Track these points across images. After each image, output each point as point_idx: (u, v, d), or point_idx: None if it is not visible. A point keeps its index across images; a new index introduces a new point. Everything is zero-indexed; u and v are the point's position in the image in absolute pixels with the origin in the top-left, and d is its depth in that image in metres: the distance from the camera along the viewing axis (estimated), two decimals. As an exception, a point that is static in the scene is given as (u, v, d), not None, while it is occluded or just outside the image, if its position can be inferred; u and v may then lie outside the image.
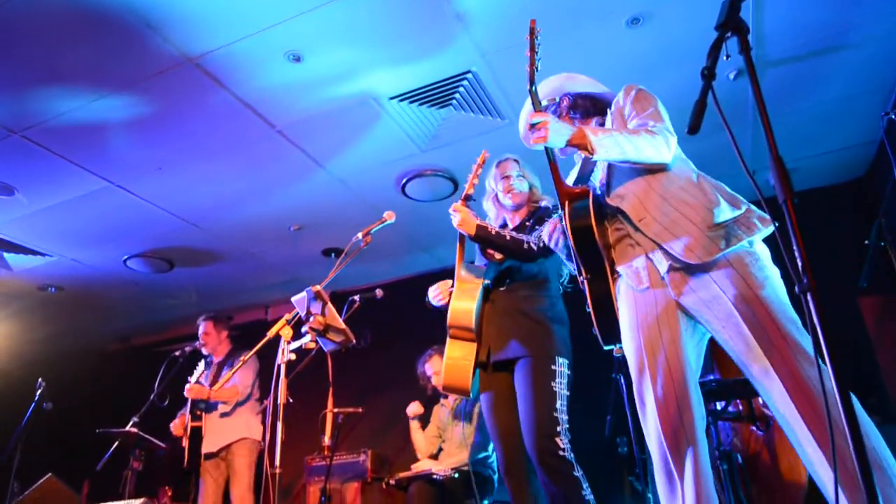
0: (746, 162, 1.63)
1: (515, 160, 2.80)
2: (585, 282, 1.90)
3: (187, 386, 4.16)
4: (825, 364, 1.17)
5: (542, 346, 2.43)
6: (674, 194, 1.80)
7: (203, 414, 4.29)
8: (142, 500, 2.14)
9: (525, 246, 2.46)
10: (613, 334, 1.91)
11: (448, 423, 4.18)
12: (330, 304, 2.69)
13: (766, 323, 1.60)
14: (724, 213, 1.73)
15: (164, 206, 4.45)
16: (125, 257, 5.18)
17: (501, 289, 2.61)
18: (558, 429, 2.32)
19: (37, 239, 4.81)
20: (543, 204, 2.71)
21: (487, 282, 2.63)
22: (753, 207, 1.78)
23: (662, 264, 1.77)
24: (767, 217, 1.72)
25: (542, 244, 2.42)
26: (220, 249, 5.21)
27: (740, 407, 3.25)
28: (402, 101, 3.50)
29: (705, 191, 1.79)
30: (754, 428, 3.20)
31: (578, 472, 2.30)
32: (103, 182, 4.06)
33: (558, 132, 1.73)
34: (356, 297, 4.00)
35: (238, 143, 3.79)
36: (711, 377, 3.22)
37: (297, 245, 5.20)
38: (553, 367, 2.40)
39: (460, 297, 2.54)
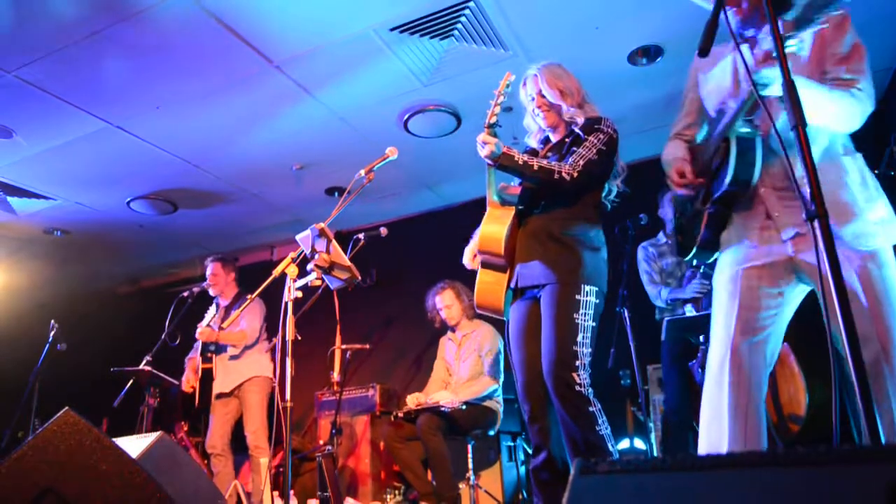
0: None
1: (541, 72, 2.49)
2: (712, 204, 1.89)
3: (198, 329, 4.22)
4: (834, 291, 1.17)
5: (568, 273, 2.31)
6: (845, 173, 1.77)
7: (213, 356, 4.38)
8: (158, 433, 2.20)
9: (556, 176, 2.28)
10: (706, 252, 1.99)
11: (455, 358, 4.26)
12: (334, 242, 2.69)
13: (875, 311, 1.63)
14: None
15: (164, 147, 4.41)
16: (128, 199, 5.17)
17: (536, 211, 2.46)
18: (577, 363, 2.24)
19: (39, 182, 4.79)
20: (582, 119, 2.43)
21: (520, 206, 2.50)
22: None
23: (789, 230, 1.76)
24: None
25: (579, 169, 2.29)
26: (223, 190, 5.19)
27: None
28: (402, 31, 3.39)
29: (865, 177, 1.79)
30: None
31: (594, 408, 2.24)
32: (101, 122, 4.00)
33: None
34: (361, 236, 4.01)
35: (236, 81, 3.71)
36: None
37: (300, 184, 5.17)
38: (578, 296, 2.29)
39: (490, 223, 2.44)
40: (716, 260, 1.99)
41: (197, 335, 4.21)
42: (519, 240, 2.47)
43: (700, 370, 3.44)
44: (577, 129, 2.43)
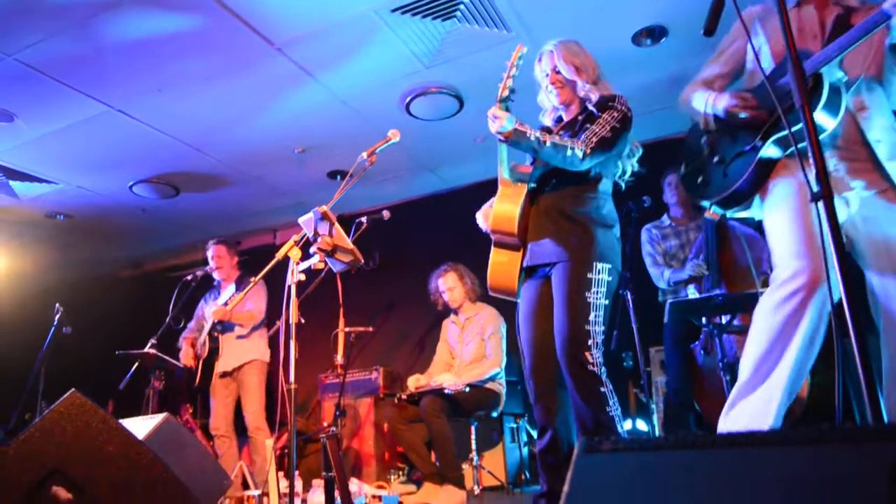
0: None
1: (557, 48, 2.45)
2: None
3: (213, 307, 4.24)
4: (836, 270, 1.16)
5: (579, 251, 2.29)
6: None
7: (219, 335, 4.41)
8: (164, 414, 2.21)
9: (568, 152, 2.23)
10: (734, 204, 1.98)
11: (458, 341, 4.27)
12: (337, 225, 2.69)
13: None
14: None
15: (165, 131, 4.39)
16: (130, 183, 5.17)
17: (547, 189, 2.43)
18: (589, 342, 2.22)
19: (41, 166, 4.79)
20: (596, 96, 2.40)
21: (532, 184, 2.47)
22: None
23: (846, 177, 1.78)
24: None
25: (592, 146, 2.25)
26: (225, 174, 5.18)
27: (741, 322, 3.30)
28: (404, 13, 3.36)
29: None
30: None
31: (606, 388, 2.22)
32: (103, 106, 3.99)
33: None
34: (363, 219, 4.01)
35: (237, 63, 3.69)
36: (718, 291, 3.24)
37: (303, 168, 5.16)
38: (590, 274, 2.26)
39: (502, 201, 2.41)
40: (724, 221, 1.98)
41: (213, 313, 4.23)
42: (531, 218, 2.44)
43: (702, 352, 3.45)
44: (590, 107, 2.40)
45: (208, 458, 2.42)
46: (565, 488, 0.82)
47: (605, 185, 2.43)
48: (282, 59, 3.67)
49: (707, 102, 2.05)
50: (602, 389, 2.21)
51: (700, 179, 2.03)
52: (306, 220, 2.75)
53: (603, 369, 2.24)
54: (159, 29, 3.33)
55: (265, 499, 3.53)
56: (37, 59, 3.48)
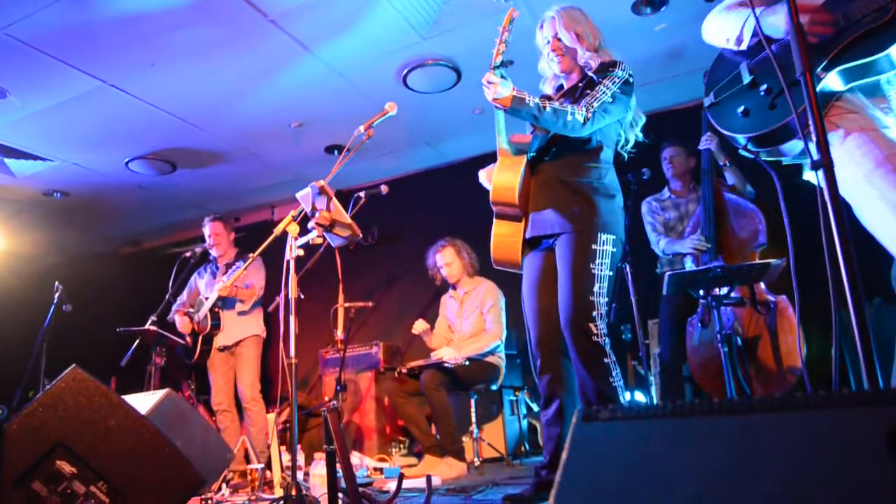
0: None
1: (559, 15, 2.43)
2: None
3: (220, 284, 4.24)
4: (837, 237, 1.16)
5: (582, 222, 2.28)
6: None
7: (220, 310, 4.43)
8: (166, 390, 2.23)
9: (569, 118, 2.20)
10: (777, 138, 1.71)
11: (457, 315, 4.28)
12: (335, 199, 2.68)
13: None
14: None
15: (160, 106, 4.35)
16: (126, 160, 5.13)
17: (547, 159, 2.41)
18: (594, 313, 2.23)
19: (36, 143, 4.75)
20: (596, 63, 2.37)
21: (532, 154, 2.45)
22: None
23: None
24: None
25: (593, 111, 2.22)
26: (221, 149, 5.15)
27: (739, 294, 3.31)
28: (399, -17, 3.31)
29: None
30: (757, 311, 3.27)
31: (609, 359, 2.24)
32: (95, 81, 3.94)
33: None
34: (361, 194, 3.99)
35: (231, 36, 3.63)
36: (716, 264, 3.25)
37: (299, 142, 5.12)
38: (594, 245, 2.25)
39: (502, 172, 2.38)
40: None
41: (219, 290, 4.25)
42: (532, 188, 2.41)
43: (700, 326, 3.47)
44: (590, 73, 2.38)
45: (211, 432, 2.44)
46: (563, 456, 0.83)
47: (607, 154, 2.41)
48: (276, 31, 3.61)
49: (754, 21, 1.60)
50: (605, 360, 2.23)
51: (741, 109, 1.78)
52: (304, 196, 2.73)
53: (607, 340, 2.26)
54: (152, 2, 3.27)
55: (267, 472, 3.58)
56: (28, 34, 3.43)
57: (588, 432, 0.82)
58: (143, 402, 2.08)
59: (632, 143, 2.50)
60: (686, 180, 3.89)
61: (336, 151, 5.27)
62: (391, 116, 2.89)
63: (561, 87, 2.57)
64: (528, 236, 2.42)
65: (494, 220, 2.46)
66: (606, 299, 2.28)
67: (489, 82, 2.20)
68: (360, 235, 2.75)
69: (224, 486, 3.43)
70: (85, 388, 1.60)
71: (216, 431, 3.71)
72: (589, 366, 2.23)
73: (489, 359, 4.00)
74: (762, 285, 3.30)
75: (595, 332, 2.22)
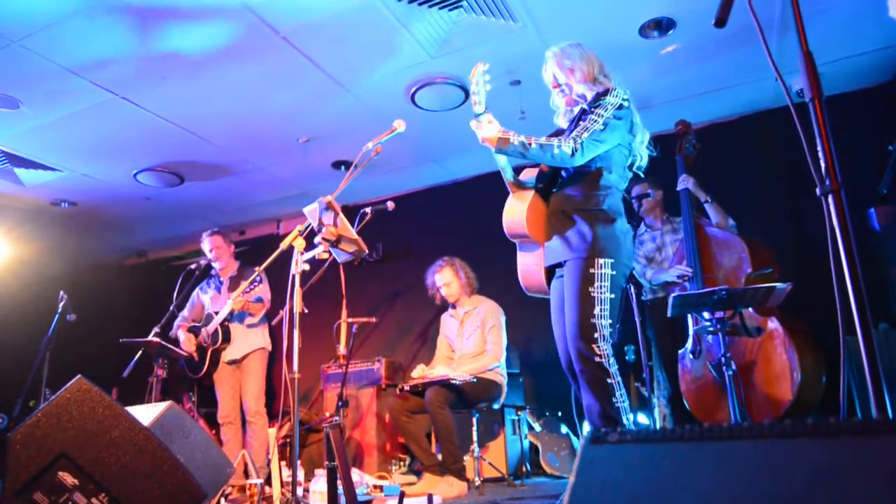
0: (772, 71, 1.56)
1: (553, 56, 2.57)
2: None
3: (236, 297, 4.24)
4: (846, 264, 1.16)
5: (580, 248, 2.37)
6: None
7: (229, 324, 4.44)
8: (168, 402, 2.22)
9: (555, 151, 2.31)
10: None
11: (457, 335, 4.27)
12: (342, 215, 2.69)
13: None
14: None
15: (170, 119, 4.39)
16: (135, 171, 5.17)
17: (554, 190, 2.56)
18: (595, 334, 2.28)
19: (46, 153, 4.79)
20: (593, 92, 2.49)
21: (538, 185, 2.59)
22: None
23: None
24: None
25: (581, 142, 2.31)
26: (230, 163, 5.18)
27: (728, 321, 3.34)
28: (411, 1, 3.34)
29: None
30: (749, 335, 3.29)
31: (613, 380, 2.28)
32: (108, 94, 3.98)
33: None
34: (367, 210, 4.01)
35: (242, 51, 3.67)
36: (721, 287, 3.25)
37: (306, 158, 5.15)
38: (592, 270, 2.33)
39: (510, 205, 2.53)
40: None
41: (234, 303, 4.26)
42: (545, 220, 2.55)
43: (692, 357, 3.50)
44: (584, 104, 2.50)
45: (212, 446, 2.43)
46: (571, 478, 0.82)
47: (608, 179, 2.47)
48: (287, 47, 3.65)
49: None
50: (609, 381, 2.28)
51: None
52: (311, 211, 2.75)
53: (611, 360, 2.30)
54: (164, 14, 3.32)
55: (266, 487, 3.55)
56: (41, 45, 3.47)
57: (596, 454, 0.82)
58: (145, 413, 2.08)
59: (646, 160, 2.59)
60: (658, 213, 4.10)
61: (343, 167, 5.30)
62: (399, 133, 2.92)
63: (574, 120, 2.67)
64: (545, 266, 2.54)
65: (518, 251, 2.60)
66: (609, 321, 2.33)
67: (476, 127, 2.37)
68: (366, 251, 2.77)
69: (223, 500, 3.41)
70: (90, 398, 1.60)
71: (217, 445, 3.69)
72: (593, 387, 2.29)
73: (491, 376, 3.98)
74: (750, 310, 3.32)
75: (598, 353, 2.28)
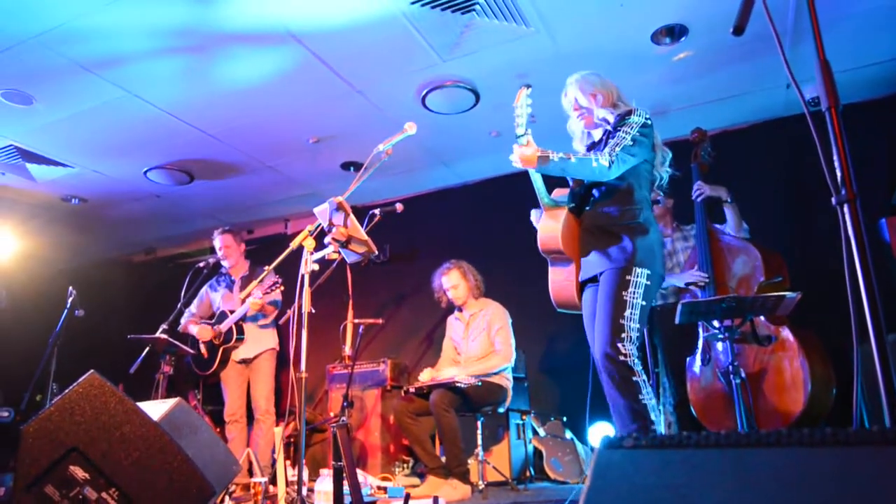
0: (784, 79, 1.56)
1: (576, 82, 2.72)
2: None
3: (252, 300, 4.27)
4: (861, 274, 1.16)
5: (619, 259, 2.47)
6: None
7: (242, 324, 4.47)
8: (176, 399, 2.23)
9: (594, 164, 2.43)
10: None
11: (463, 337, 4.27)
12: (352, 216, 2.70)
13: None
14: None
15: (181, 117, 4.41)
16: (145, 169, 5.20)
17: (587, 208, 2.67)
18: (622, 335, 2.37)
19: (57, 149, 4.82)
20: (617, 112, 2.63)
21: (572, 204, 2.71)
22: None
23: None
24: None
25: (616, 155, 2.43)
26: (239, 162, 5.20)
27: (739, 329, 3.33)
28: (423, 5, 3.36)
29: None
30: (760, 344, 3.27)
31: (638, 378, 2.36)
32: (120, 91, 4.01)
33: None
34: (376, 211, 4.02)
35: (254, 51, 3.69)
36: (731, 295, 3.24)
37: (316, 158, 5.17)
38: (629, 277, 2.43)
39: (545, 222, 2.63)
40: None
41: (251, 306, 4.29)
42: (579, 236, 2.66)
43: (701, 364, 3.49)
44: (609, 126, 2.63)
45: (219, 443, 2.44)
46: (586, 483, 0.82)
47: (640, 194, 2.59)
48: (299, 47, 3.67)
49: None
50: (634, 378, 2.35)
51: None
52: (321, 211, 2.76)
53: (636, 361, 2.38)
54: (177, 14, 3.34)
55: (271, 486, 3.56)
56: (56, 43, 3.50)
57: (611, 459, 0.82)
58: (154, 409, 2.09)
59: (665, 179, 2.74)
60: (668, 220, 4.10)
61: (352, 168, 5.31)
62: (410, 136, 2.93)
63: (592, 142, 2.80)
64: (581, 280, 2.64)
65: (549, 267, 2.70)
66: (637, 325, 2.42)
67: (514, 153, 2.45)
68: (376, 252, 2.78)
69: (227, 498, 3.42)
70: (102, 393, 1.61)
71: (223, 442, 3.71)
72: (619, 385, 2.36)
73: (497, 380, 3.97)
74: (762, 318, 3.31)
75: (623, 352, 2.36)
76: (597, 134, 2.76)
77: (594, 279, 2.60)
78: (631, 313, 2.40)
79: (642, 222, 2.54)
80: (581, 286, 2.67)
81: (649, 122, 2.57)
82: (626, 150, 2.47)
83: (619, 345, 2.36)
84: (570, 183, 2.81)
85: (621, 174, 2.50)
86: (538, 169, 2.46)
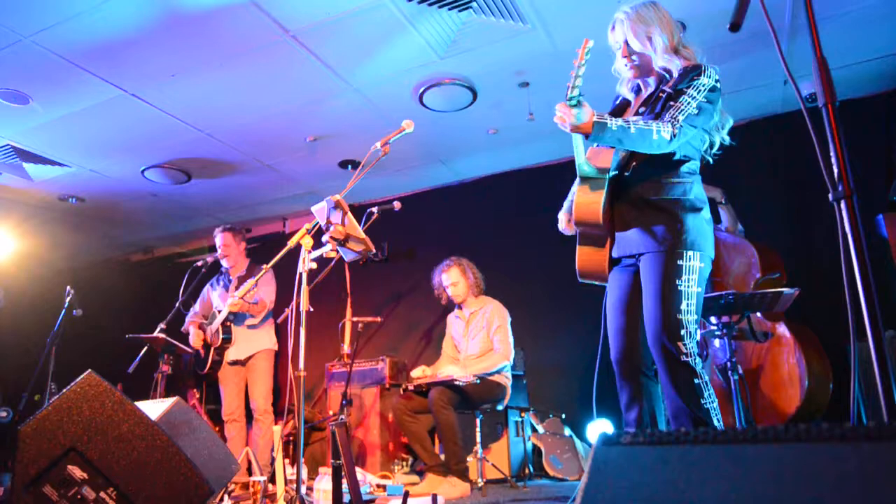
0: (781, 75, 1.56)
1: (629, 17, 2.24)
2: None
3: (232, 300, 4.26)
4: (858, 271, 1.16)
5: (667, 239, 2.15)
6: None
7: (231, 324, 4.45)
8: (175, 398, 2.23)
9: (654, 136, 2.04)
10: None
11: (463, 335, 4.27)
12: (350, 214, 2.70)
13: None
14: None
15: (178, 116, 4.40)
16: (143, 168, 5.19)
17: (628, 175, 2.27)
18: (682, 331, 2.09)
19: (54, 149, 4.81)
20: (674, 65, 2.20)
21: (614, 172, 2.28)
22: None
23: None
24: None
25: (679, 126, 2.06)
26: (236, 160, 5.20)
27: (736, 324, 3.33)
28: (420, 2, 3.35)
29: None
30: (756, 340, 3.28)
31: (701, 380, 2.11)
32: (117, 90, 4.00)
33: None
34: (374, 209, 4.02)
35: (251, 50, 3.68)
36: (729, 291, 3.25)
37: (314, 156, 5.16)
38: (679, 262, 2.12)
39: (584, 193, 2.25)
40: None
41: (230, 306, 4.27)
42: (616, 208, 2.30)
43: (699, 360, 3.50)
44: (668, 87, 2.20)
45: (218, 442, 2.44)
46: (584, 479, 0.82)
47: (691, 166, 2.26)
48: (296, 46, 3.66)
49: None
50: (696, 381, 2.10)
51: None
52: (319, 209, 2.76)
53: (697, 360, 2.14)
54: (174, 13, 3.33)
55: (270, 485, 3.56)
56: (52, 42, 3.49)
57: (609, 456, 0.82)
58: (153, 409, 2.09)
59: (717, 146, 2.33)
60: None
61: (350, 166, 5.31)
62: (407, 133, 2.93)
63: (638, 87, 2.42)
64: (614, 255, 2.33)
65: (578, 244, 2.38)
66: (695, 317, 2.14)
67: (562, 114, 2.05)
68: (374, 250, 2.77)
69: (226, 497, 3.42)
70: (100, 392, 1.60)
71: (222, 442, 3.71)
72: (680, 388, 2.10)
73: (496, 378, 3.98)
74: (759, 314, 3.32)
75: (684, 351, 2.09)
76: (648, 84, 2.34)
77: (629, 258, 2.29)
78: (688, 305, 2.10)
79: (693, 199, 2.21)
80: (612, 263, 2.35)
81: (718, 84, 2.16)
82: (690, 122, 2.10)
83: (680, 343, 2.08)
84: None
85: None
86: (594, 137, 2.05)
